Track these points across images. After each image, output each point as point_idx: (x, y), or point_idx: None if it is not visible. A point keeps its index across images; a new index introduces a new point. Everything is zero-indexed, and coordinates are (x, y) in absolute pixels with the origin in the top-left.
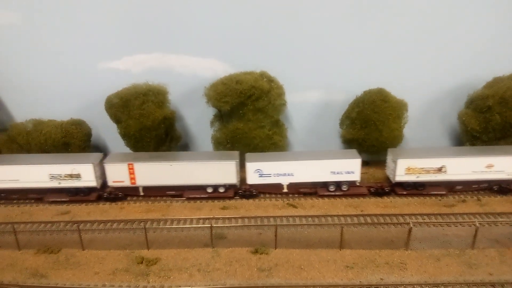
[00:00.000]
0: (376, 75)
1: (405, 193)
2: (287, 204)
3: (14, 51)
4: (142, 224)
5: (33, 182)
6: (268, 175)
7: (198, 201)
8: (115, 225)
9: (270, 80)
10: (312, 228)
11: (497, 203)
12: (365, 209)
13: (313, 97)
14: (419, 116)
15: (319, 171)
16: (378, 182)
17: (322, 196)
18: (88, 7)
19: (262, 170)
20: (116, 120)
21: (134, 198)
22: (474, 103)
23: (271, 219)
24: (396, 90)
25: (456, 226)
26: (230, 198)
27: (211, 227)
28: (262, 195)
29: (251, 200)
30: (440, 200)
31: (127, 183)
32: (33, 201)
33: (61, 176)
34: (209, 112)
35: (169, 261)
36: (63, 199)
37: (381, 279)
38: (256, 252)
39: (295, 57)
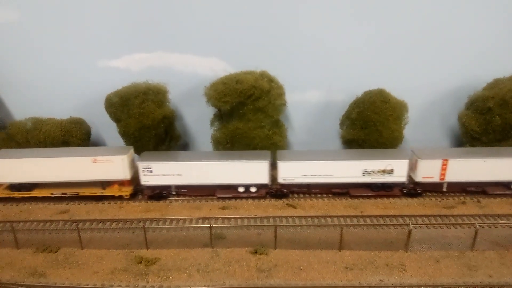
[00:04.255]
0: (377, 76)
1: None
2: (287, 204)
3: (14, 49)
4: (141, 223)
5: (345, 177)
6: None
7: (197, 201)
8: (114, 225)
9: (270, 80)
10: (312, 228)
11: (497, 204)
12: (365, 210)
13: (313, 97)
14: (419, 117)
15: None
16: None
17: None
18: (88, 5)
19: None
20: (116, 119)
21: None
22: (474, 104)
23: (271, 220)
24: (397, 91)
25: (456, 228)
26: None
27: (210, 227)
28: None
29: (250, 200)
30: (439, 201)
31: (436, 179)
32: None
33: (374, 172)
34: (209, 111)
35: (168, 261)
36: (368, 194)
37: (381, 280)
38: (255, 252)
39: (295, 57)
